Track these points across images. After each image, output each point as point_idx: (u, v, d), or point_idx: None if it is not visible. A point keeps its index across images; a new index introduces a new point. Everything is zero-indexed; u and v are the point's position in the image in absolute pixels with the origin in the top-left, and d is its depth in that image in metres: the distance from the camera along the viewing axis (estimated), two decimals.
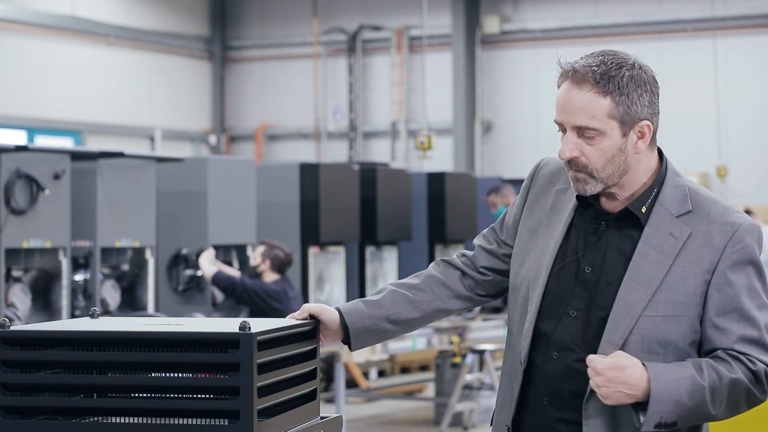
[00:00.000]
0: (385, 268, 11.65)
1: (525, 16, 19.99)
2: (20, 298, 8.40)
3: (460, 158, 19.75)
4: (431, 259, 12.22)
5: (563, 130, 2.94)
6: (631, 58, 2.98)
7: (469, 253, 3.25)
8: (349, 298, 10.95)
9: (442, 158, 18.74)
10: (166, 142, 20.77)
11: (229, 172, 9.98)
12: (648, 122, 2.92)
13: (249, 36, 22.00)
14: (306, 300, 9.86)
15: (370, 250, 11.43)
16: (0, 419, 2.69)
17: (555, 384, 2.97)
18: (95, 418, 2.73)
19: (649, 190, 2.97)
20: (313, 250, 10.63)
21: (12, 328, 2.72)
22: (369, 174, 11.40)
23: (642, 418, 2.83)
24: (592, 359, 2.84)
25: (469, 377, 10.94)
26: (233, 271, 9.50)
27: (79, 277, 8.88)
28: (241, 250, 10.05)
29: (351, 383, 13.54)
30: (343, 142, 21.32)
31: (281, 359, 2.77)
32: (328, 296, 10.77)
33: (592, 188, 2.93)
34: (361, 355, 10.00)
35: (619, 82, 2.89)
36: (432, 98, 18.67)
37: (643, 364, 2.84)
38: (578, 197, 3.01)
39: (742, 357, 2.87)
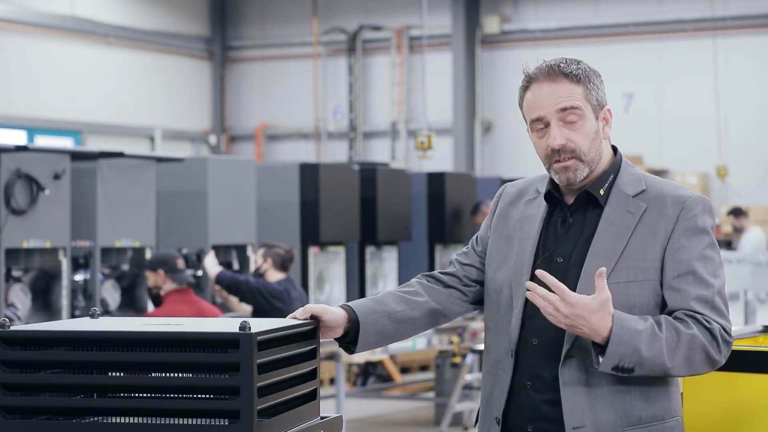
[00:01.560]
0: (385, 268, 11.65)
1: (525, 16, 19.99)
2: (20, 298, 8.40)
3: (460, 158, 19.75)
4: (431, 259, 12.23)
5: (543, 126, 3.18)
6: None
7: (450, 269, 3.43)
8: (349, 298, 10.95)
9: (442, 158, 18.74)
10: (166, 142, 20.77)
11: (229, 172, 9.98)
12: (608, 108, 3.23)
13: (249, 36, 22.00)
14: (308, 300, 9.85)
15: (370, 250, 11.44)
16: (0, 419, 2.69)
17: (536, 367, 3.17)
18: (95, 418, 2.73)
19: (605, 175, 3.22)
20: (313, 250, 10.63)
21: (12, 328, 2.72)
22: (369, 174, 11.40)
23: (601, 359, 3.03)
24: (567, 291, 3.01)
25: (469, 377, 10.94)
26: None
27: (79, 277, 8.88)
28: (241, 250, 10.05)
29: (387, 378, 13.56)
30: (343, 142, 21.32)
31: (281, 359, 2.77)
32: (328, 296, 10.77)
33: (581, 173, 3.18)
34: (361, 355, 10.00)
35: (583, 72, 3.20)
36: (432, 98, 18.66)
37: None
38: (546, 197, 3.25)
39: (698, 316, 3.09)
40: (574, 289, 3.08)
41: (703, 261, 3.14)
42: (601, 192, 3.20)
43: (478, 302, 3.39)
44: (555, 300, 3.00)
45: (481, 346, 10.79)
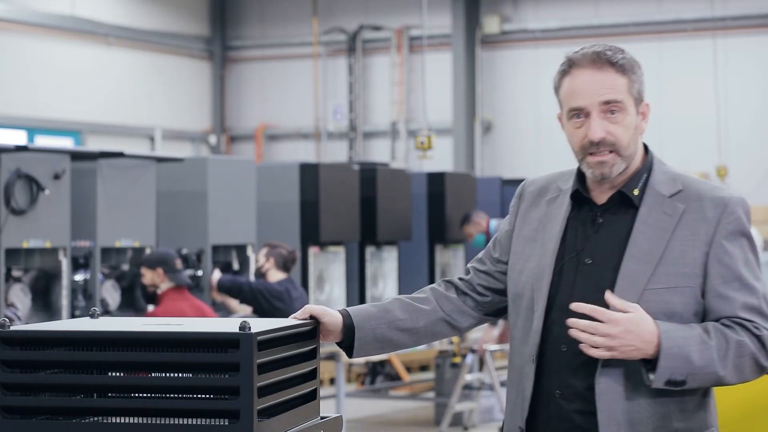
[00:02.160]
0: (385, 268, 11.65)
1: (525, 16, 19.99)
2: (20, 298, 8.40)
3: (460, 158, 19.75)
4: (431, 259, 12.23)
5: (583, 116, 3.03)
6: None
7: (466, 276, 3.29)
8: (349, 298, 10.95)
9: (442, 158, 18.74)
10: (166, 142, 20.76)
11: (229, 172, 9.98)
12: (647, 103, 3.09)
13: (249, 36, 22.00)
14: (308, 300, 9.85)
15: (370, 250, 11.44)
16: (0, 419, 2.69)
17: (565, 376, 3.02)
18: (95, 418, 2.73)
19: (638, 175, 3.07)
20: (313, 250, 10.63)
21: (12, 328, 2.72)
22: (369, 174, 11.40)
23: (652, 376, 2.90)
24: (607, 312, 2.88)
25: (469, 377, 10.94)
26: None
27: (79, 277, 8.88)
28: (241, 250, 10.05)
29: (395, 377, 13.56)
30: (343, 142, 21.32)
31: (281, 359, 2.77)
32: (328, 296, 10.77)
33: (618, 168, 3.02)
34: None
35: (627, 63, 3.06)
36: (432, 98, 18.66)
37: (654, 322, 2.92)
38: (573, 196, 3.10)
39: (746, 323, 2.96)
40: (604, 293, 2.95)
41: (747, 265, 3.02)
42: (635, 192, 3.05)
43: (494, 313, 3.27)
44: (602, 326, 2.87)
45: (482, 346, 10.80)
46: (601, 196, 3.08)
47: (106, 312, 8.89)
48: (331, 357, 9.65)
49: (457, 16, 19.93)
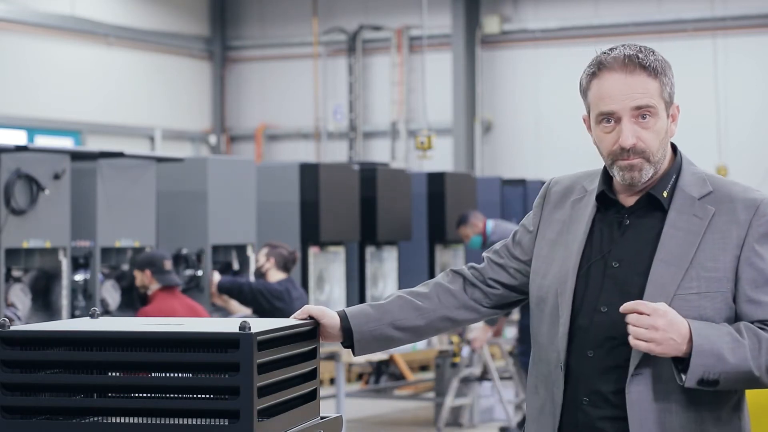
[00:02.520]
0: (385, 268, 11.65)
1: (525, 16, 19.99)
2: (20, 298, 8.39)
3: (460, 158, 19.75)
4: (431, 259, 12.23)
5: (614, 120, 2.95)
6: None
7: (479, 265, 3.23)
8: (349, 298, 10.95)
9: (442, 158, 18.74)
10: (166, 142, 20.76)
11: (229, 172, 9.97)
12: (677, 105, 3.02)
13: (249, 36, 22.00)
14: (308, 300, 9.85)
15: (370, 250, 11.43)
16: (0, 419, 2.69)
17: (593, 382, 2.95)
18: (95, 418, 2.73)
19: (667, 176, 2.99)
20: (313, 250, 10.63)
21: (12, 328, 2.72)
22: (369, 174, 11.40)
23: (684, 375, 2.82)
24: (651, 303, 2.80)
25: (466, 371, 10.93)
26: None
27: (78, 277, 8.87)
28: (241, 250, 10.05)
29: (399, 377, 13.56)
30: (343, 142, 21.32)
31: (281, 359, 2.77)
32: (328, 296, 10.77)
33: (647, 173, 2.95)
34: (361, 356, 9.98)
35: (659, 65, 2.98)
36: (432, 98, 18.66)
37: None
38: (599, 197, 3.03)
39: None
40: (636, 295, 2.89)
41: None
42: (664, 194, 2.97)
43: (500, 307, 3.20)
44: (646, 318, 2.78)
45: (471, 334, 10.78)
46: (628, 198, 3.01)
47: (106, 312, 8.89)
48: (331, 357, 9.65)
49: (457, 16, 19.93)
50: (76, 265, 8.86)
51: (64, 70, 18.95)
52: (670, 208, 2.96)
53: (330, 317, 3.07)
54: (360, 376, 14.57)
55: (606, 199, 3.03)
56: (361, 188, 11.14)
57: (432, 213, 12.26)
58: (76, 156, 8.85)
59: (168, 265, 8.35)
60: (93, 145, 18.47)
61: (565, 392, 2.98)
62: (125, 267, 9.21)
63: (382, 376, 13.83)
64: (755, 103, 18.26)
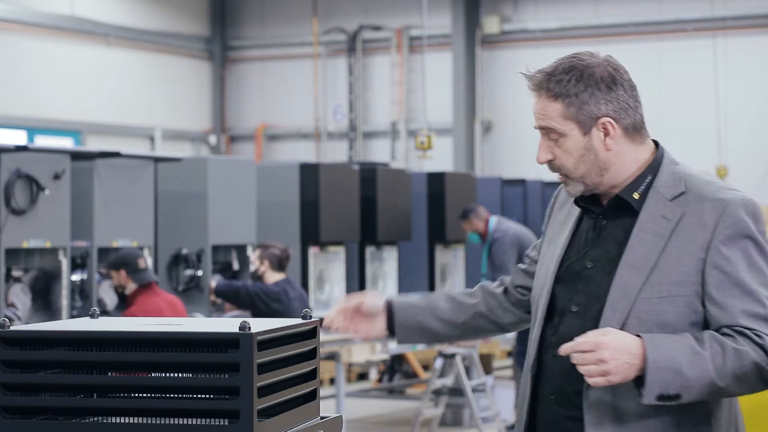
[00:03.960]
0: (385, 268, 11.65)
1: (525, 16, 19.99)
2: (20, 298, 8.39)
3: (460, 158, 19.75)
4: (431, 259, 12.23)
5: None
6: (586, 60, 3.01)
7: (514, 274, 3.35)
8: None
9: (442, 158, 18.74)
10: (166, 142, 20.77)
11: (229, 172, 9.98)
12: (609, 119, 2.95)
13: (249, 36, 22.00)
14: (308, 300, 9.84)
15: (370, 250, 11.44)
16: (0, 419, 2.69)
17: (558, 382, 2.99)
18: (95, 418, 2.73)
19: (641, 178, 2.98)
20: (313, 250, 10.63)
21: (12, 328, 2.72)
22: (369, 174, 11.40)
23: (642, 391, 2.79)
24: (587, 337, 2.80)
25: (438, 382, 10.83)
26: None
27: (75, 277, 8.86)
28: (241, 250, 10.05)
29: (412, 375, 13.56)
30: (343, 142, 21.32)
31: (281, 359, 2.77)
32: (328, 296, 10.77)
33: (573, 189, 3.00)
34: (361, 355, 9.99)
35: (566, 85, 2.95)
36: (432, 98, 18.66)
37: (637, 335, 2.82)
38: (577, 201, 3.07)
39: (747, 332, 2.82)
40: (603, 300, 2.91)
41: (751, 270, 2.85)
42: (636, 195, 2.96)
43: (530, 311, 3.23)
44: (590, 355, 2.78)
45: (451, 350, 10.70)
46: (604, 199, 3.03)
47: (104, 313, 8.88)
48: (331, 357, 9.64)
49: (457, 16, 19.93)
50: (74, 265, 8.85)
51: (64, 70, 18.95)
52: (642, 209, 2.95)
53: (373, 298, 3.20)
54: (361, 376, 14.57)
55: (586, 202, 3.05)
56: (361, 188, 11.15)
57: (432, 213, 12.26)
58: (74, 156, 8.85)
59: (142, 263, 8.28)
60: (93, 145, 18.48)
61: (539, 389, 3.04)
62: None
63: (396, 375, 13.82)
64: (755, 103, 18.26)
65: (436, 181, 12.34)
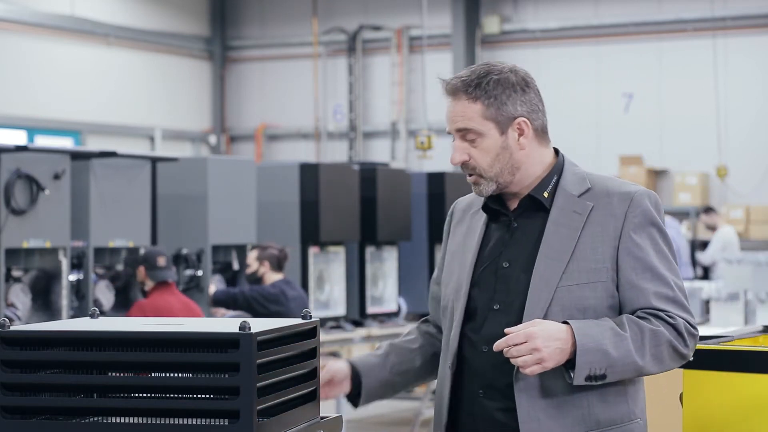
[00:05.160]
0: (385, 268, 11.65)
1: (525, 16, 19.99)
2: (20, 298, 8.39)
3: None
4: (431, 259, 12.22)
5: (454, 138, 3.22)
6: (503, 66, 3.19)
7: (430, 317, 3.47)
8: (349, 298, 10.95)
9: (442, 158, 18.72)
10: (166, 142, 20.77)
11: (229, 172, 9.97)
12: (524, 119, 3.15)
13: (249, 36, 22.00)
14: (307, 299, 9.84)
15: (370, 250, 11.43)
16: (0, 419, 2.69)
17: (488, 376, 3.13)
18: (95, 418, 2.73)
19: (548, 178, 3.18)
20: (313, 250, 10.63)
21: (12, 328, 2.72)
22: (369, 174, 11.40)
23: (572, 373, 2.98)
24: (518, 330, 2.96)
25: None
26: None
27: (72, 277, 8.85)
28: (241, 250, 10.05)
29: None
30: (343, 142, 21.32)
31: (281, 359, 2.77)
32: (328, 296, 10.77)
33: (486, 188, 3.17)
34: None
35: (485, 86, 3.15)
36: (432, 98, 18.66)
37: (564, 322, 3.01)
38: (485, 207, 3.24)
39: (660, 313, 3.05)
40: (525, 294, 3.07)
41: (659, 256, 3.10)
42: (545, 195, 3.16)
43: None
44: (524, 345, 2.94)
45: None
46: (513, 202, 3.21)
47: (101, 313, 8.88)
48: (332, 357, 9.64)
49: (457, 16, 19.93)
50: (71, 265, 8.85)
51: (64, 70, 18.95)
52: (552, 206, 3.15)
53: (339, 369, 3.29)
54: None
55: (491, 208, 3.23)
56: (361, 188, 11.14)
57: (432, 213, 12.25)
58: (73, 156, 8.85)
59: (161, 261, 8.35)
60: (93, 145, 18.47)
61: (461, 388, 3.17)
62: (119, 267, 9.20)
63: None
64: (755, 103, 18.25)
65: (436, 181, 12.33)
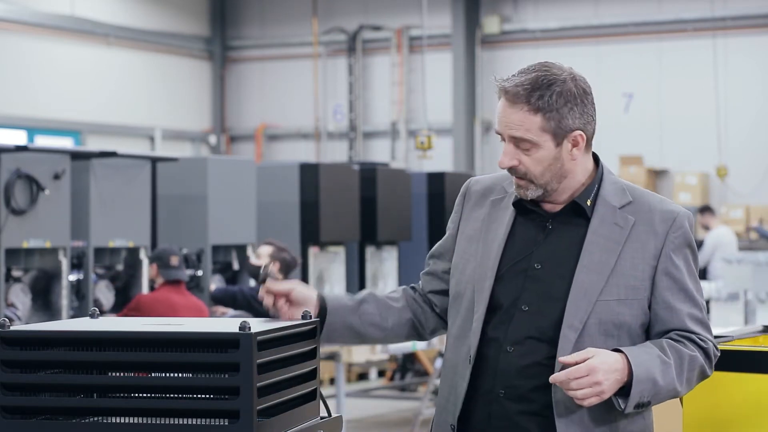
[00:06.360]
0: (385, 268, 11.65)
1: (525, 16, 19.99)
2: (20, 298, 8.40)
3: (460, 158, 19.75)
4: None
5: (503, 139, 3.12)
6: (563, 72, 3.11)
7: (418, 284, 3.44)
8: None
9: (442, 158, 18.74)
10: (166, 142, 20.76)
11: (229, 172, 9.98)
12: (580, 132, 3.10)
13: (249, 36, 22.00)
14: None
15: (370, 250, 11.44)
16: (0, 419, 2.69)
17: (511, 377, 3.08)
18: (95, 418, 2.73)
19: (591, 186, 3.14)
20: (313, 250, 10.63)
21: (12, 328, 2.72)
22: (369, 174, 11.40)
23: (623, 402, 2.97)
24: (574, 359, 2.94)
25: (438, 382, 10.86)
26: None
27: (72, 277, 8.86)
28: (241, 250, 10.05)
29: (424, 373, 13.56)
30: (343, 142, 21.32)
31: (281, 359, 2.77)
32: None
33: (533, 193, 3.10)
34: (361, 355, 10.00)
35: (548, 99, 3.06)
36: (432, 98, 18.66)
37: (616, 350, 2.99)
38: (516, 204, 3.16)
39: (693, 336, 3.07)
40: (560, 302, 3.04)
41: (692, 277, 3.11)
42: (588, 203, 3.12)
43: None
44: (585, 379, 2.91)
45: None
46: (552, 205, 3.15)
47: (101, 313, 8.89)
48: (331, 357, 9.65)
49: (457, 16, 19.93)
50: (71, 265, 8.85)
51: (64, 70, 18.95)
52: (593, 216, 3.11)
53: (304, 292, 3.17)
54: (361, 376, 14.56)
55: (523, 206, 3.17)
56: (361, 188, 11.15)
57: (432, 213, 12.26)
58: (73, 156, 8.85)
59: (174, 260, 8.38)
60: (93, 145, 18.47)
61: (478, 385, 3.11)
62: (119, 267, 9.20)
63: (408, 373, 13.82)
64: (755, 103, 18.25)
65: (436, 181, 12.34)
